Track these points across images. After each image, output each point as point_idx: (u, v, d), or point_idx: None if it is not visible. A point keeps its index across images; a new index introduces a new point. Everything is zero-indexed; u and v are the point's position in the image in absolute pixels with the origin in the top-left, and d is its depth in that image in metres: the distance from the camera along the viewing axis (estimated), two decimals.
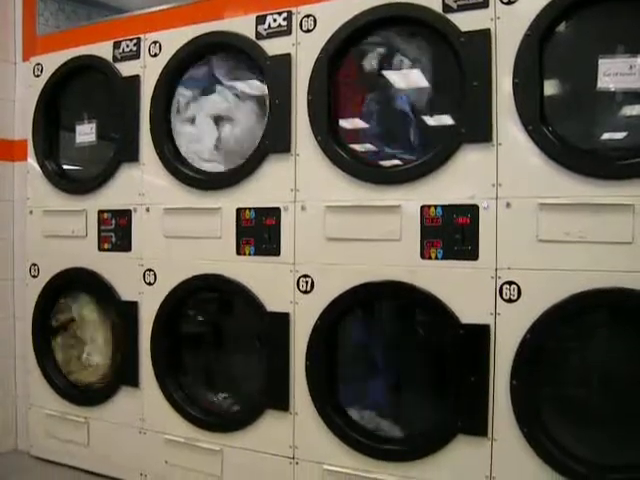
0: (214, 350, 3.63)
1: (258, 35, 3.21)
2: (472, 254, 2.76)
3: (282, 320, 3.14)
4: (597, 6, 2.60)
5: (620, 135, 2.70)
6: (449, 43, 2.80)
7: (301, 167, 3.12)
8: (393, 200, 2.91)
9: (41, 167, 3.90)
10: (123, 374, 3.66)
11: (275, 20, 3.17)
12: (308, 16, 3.10)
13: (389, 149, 3.04)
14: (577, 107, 2.76)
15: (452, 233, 2.79)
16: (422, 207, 2.85)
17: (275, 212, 3.17)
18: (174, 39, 3.44)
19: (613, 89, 2.56)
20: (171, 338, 3.54)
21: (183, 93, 3.49)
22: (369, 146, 3.13)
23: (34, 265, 3.95)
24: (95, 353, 3.84)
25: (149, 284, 3.54)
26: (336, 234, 3.04)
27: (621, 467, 2.58)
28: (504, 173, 2.71)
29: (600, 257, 2.55)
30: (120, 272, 3.64)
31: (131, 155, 3.57)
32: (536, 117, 2.64)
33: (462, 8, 2.77)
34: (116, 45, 3.64)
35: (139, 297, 3.57)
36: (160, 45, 3.50)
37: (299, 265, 3.13)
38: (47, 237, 3.90)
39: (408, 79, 3.08)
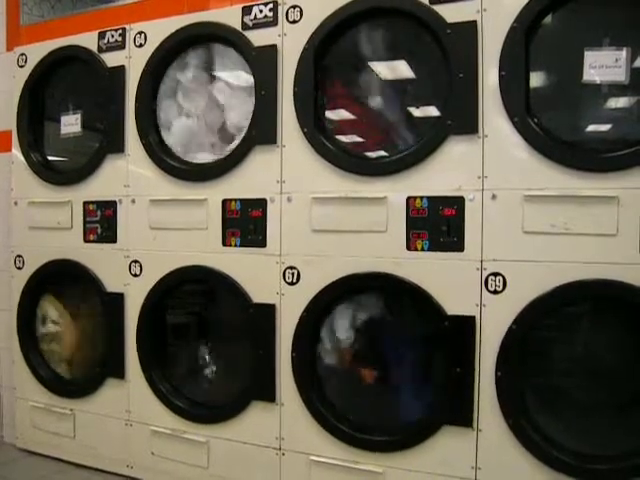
0: (200, 341, 3.62)
1: (244, 26, 3.20)
2: (458, 246, 2.77)
3: (268, 311, 3.15)
4: None
5: (605, 127, 2.71)
6: (435, 35, 2.80)
7: (287, 158, 3.12)
8: (379, 192, 2.91)
9: (26, 158, 3.87)
10: (109, 366, 3.65)
11: (261, 11, 3.16)
12: (294, 7, 3.09)
13: None
14: (563, 99, 2.77)
15: (438, 224, 2.80)
16: (408, 198, 2.85)
17: (261, 203, 3.17)
18: (160, 29, 3.42)
19: (599, 81, 2.57)
20: (157, 330, 3.54)
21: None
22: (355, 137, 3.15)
23: (19, 257, 3.93)
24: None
25: (135, 275, 3.53)
26: (322, 226, 3.04)
27: (606, 457, 2.60)
28: (490, 165, 2.72)
29: (585, 249, 2.56)
30: (106, 263, 3.63)
31: (116, 146, 3.55)
32: (522, 109, 2.64)
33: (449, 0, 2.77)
34: (101, 35, 3.61)
35: (125, 289, 3.56)
36: (145, 35, 3.47)
37: (285, 256, 3.13)
38: (32, 229, 3.88)
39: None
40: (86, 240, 3.68)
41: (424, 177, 2.83)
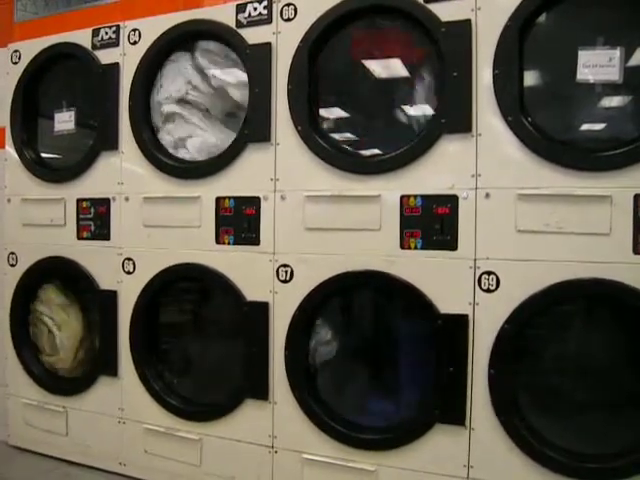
0: (193, 339, 3.62)
1: (238, 23, 3.19)
2: (451, 244, 2.77)
3: (261, 309, 3.14)
4: None
5: (599, 127, 2.71)
6: (430, 33, 2.80)
7: (281, 156, 3.12)
8: (373, 190, 2.91)
9: (19, 155, 3.86)
10: (102, 363, 3.64)
11: (255, 9, 3.16)
12: (288, 5, 3.08)
13: None
14: (557, 98, 2.77)
15: (432, 223, 2.80)
16: (402, 197, 2.85)
17: (255, 201, 3.16)
18: (154, 27, 3.42)
19: (592, 81, 2.57)
20: (150, 327, 3.53)
21: None
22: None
23: (12, 254, 3.92)
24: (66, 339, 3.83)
25: (128, 273, 3.52)
26: (316, 224, 3.03)
27: (598, 455, 2.61)
28: (484, 163, 2.72)
29: (578, 248, 2.57)
30: (99, 261, 3.62)
31: (110, 143, 3.54)
32: (516, 108, 2.65)
33: None
34: (95, 32, 3.60)
35: (118, 286, 3.55)
36: (140, 33, 3.47)
37: (278, 254, 3.12)
38: (25, 226, 3.86)
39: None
40: (79, 237, 3.67)
41: (418, 175, 2.83)
